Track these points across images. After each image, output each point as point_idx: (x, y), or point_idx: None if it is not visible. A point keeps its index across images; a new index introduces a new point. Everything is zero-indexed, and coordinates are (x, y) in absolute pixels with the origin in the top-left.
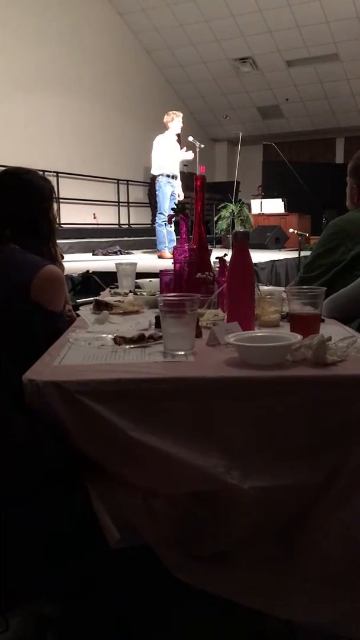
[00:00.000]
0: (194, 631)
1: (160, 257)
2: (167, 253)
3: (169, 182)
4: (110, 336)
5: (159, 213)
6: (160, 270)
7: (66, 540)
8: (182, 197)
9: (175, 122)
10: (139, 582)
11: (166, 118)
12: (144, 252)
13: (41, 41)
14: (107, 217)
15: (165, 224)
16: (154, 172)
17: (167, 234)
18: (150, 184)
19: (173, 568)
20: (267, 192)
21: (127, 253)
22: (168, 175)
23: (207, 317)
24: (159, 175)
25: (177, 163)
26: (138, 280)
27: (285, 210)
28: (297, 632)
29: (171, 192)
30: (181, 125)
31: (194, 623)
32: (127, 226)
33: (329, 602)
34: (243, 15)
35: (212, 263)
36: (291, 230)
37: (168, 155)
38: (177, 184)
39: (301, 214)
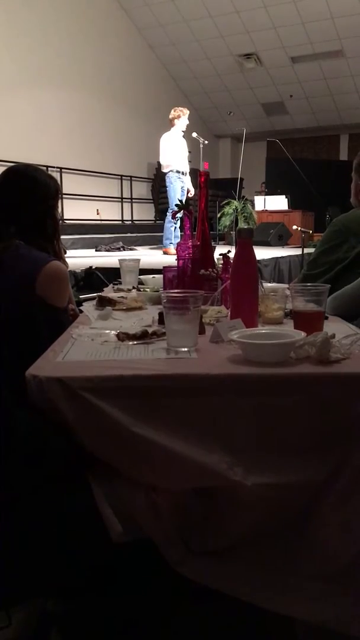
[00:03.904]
0: (196, 627)
1: (165, 253)
2: (173, 249)
3: (179, 178)
4: (113, 332)
5: (170, 209)
6: (164, 267)
7: (69, 535)
8: (192, 193)
9: (181, 118)
10: (141, 577)
11: (172, 114)
12: (147, 248)
13: (45, 36)
14: (110, 213)
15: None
16: (164, 169)
17: (174, 230)
18: (154, 180)
19: (175, 563)
20: (271, 189)
21: (130, 249)
22: (178, 172)
23: (210, 314)
24: (169, 172)
25: (185, 159)
26: (141, 277)
27: (288, 207)
28: (298, 630)
29: (181, 188)
30: (187, 122)
31: (195, 619)
32: (130, 222)
33: (330, 600)
34: (247, 11)
35: (215, 260)
36: (294, 227)
37: (176, 152)
38: (187, 179)
39: (305, 210)
